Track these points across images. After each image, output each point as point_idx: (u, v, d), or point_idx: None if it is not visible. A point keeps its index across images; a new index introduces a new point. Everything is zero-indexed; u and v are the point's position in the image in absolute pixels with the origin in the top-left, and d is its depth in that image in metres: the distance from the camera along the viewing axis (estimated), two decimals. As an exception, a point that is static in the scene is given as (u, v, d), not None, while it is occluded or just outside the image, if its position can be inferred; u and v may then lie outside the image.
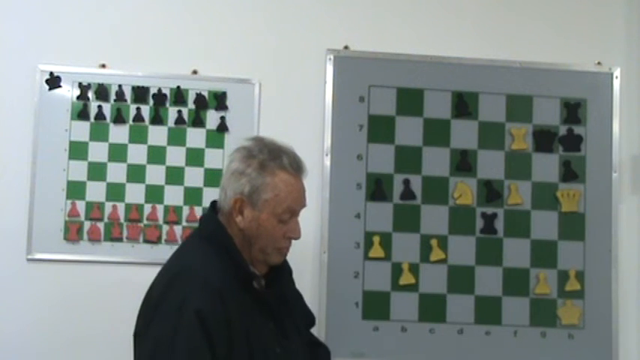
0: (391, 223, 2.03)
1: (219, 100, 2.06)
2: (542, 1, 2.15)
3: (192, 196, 2.04)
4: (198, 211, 2.03)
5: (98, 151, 2.03)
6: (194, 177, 2.04)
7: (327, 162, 2.04)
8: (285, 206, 1.47)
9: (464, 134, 2.07)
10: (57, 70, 2.03)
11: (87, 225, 2.01)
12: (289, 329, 1.55)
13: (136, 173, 2.03)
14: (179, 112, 2.05)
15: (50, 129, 2.02)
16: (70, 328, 1.99)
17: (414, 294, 2.02)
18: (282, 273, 1.58)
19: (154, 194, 2.03)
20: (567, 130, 2.09)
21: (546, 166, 2.07)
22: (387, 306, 2.01)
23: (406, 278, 2.02)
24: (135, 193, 2.03)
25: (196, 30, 2.08)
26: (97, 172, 2.02)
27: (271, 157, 1.47)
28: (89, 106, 2.04)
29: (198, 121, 2.05)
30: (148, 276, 1.98)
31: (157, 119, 2.05)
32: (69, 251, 2.00)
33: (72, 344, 1.99)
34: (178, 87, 2.05)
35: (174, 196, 2.03)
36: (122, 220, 2.02)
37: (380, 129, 2.05)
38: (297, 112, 2.06)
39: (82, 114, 2.03)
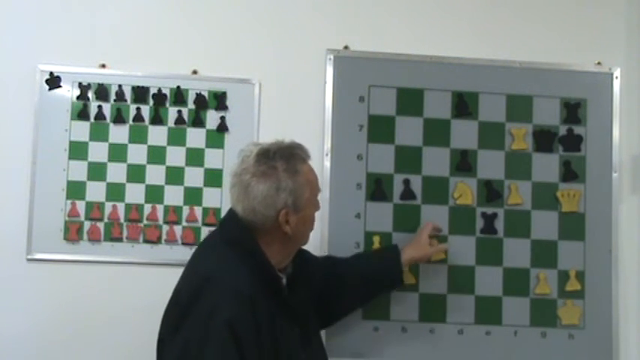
0: (391, 223, 2.03)
1: (219, 100, 2.06)
2: (542, 1, 2.15)
3: (192, 196, 2.04)
4: (198, 211, 2.03)
5: (98, 151, 2.03)
6: (194, 177, 2.04)
7: (327, 162, 2.04)
8: (316, 191, 1.56)
9: (464, 134, 2.07)
10: (57, 70, 2.03)
11: (87, 225, 2.01)
12: (312, 334, 1.55)
13: (136, 173, 2.03)
14: (179, 112, 2.05)
15: (50, 129, 2.02)
16: (70, 328, 2.00)
17: (414, 294, 2.02)
18: (302, 275, 1.60)
19: (154, 194, 2.03)
20: (567, 130, 2.09)
21: (546, 166, 2.07)
22: (387, 306, 2.01)
23: (406, 278, 2.01)
24: (135, 193, 2.03)
25: (196, 30, 2.08)
26: (97, 172, 2.02)
27: (288, 159, 1.48)
28: (89, 106, 2.04)
29: (198, 121, 2.05)
30: (148, 276, 2.01)
31: (157, 119, 2.05)
32: (69, 251, 2.00)
33: (72, 344, 1.99)
34: (178, 87, 2.05)
35: (174, 196, 2.03)
36: (122, 220, 2.02)
37: (380, 129, 2.05)
38: (297, 112, 2.06)
39: (82, 114, 2.03)
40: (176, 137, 2.05)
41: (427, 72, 2.07)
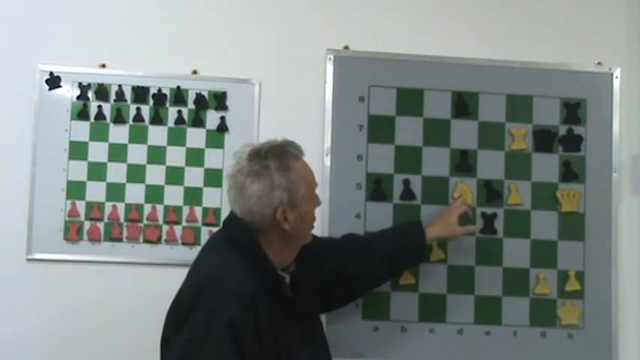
0: (391, 223, 2.02)
1: (219, 100, 2.06)
2: (543, 1, 2.15)
3: (192, 196, 2.04)
4: (198, 211, 2.03)
5: (98, 151, 2.03)
6: (194, 177, 2.04)
7: (327, 162, 2.04)
8: (313, 186, 1.56)
9: (464, 134, 2.07)
10: (57, 70, 2.03)
11: (87, 225, 2.01)
12: (315, 333, 1.56)
13: (136, 173, 2.03)
14: (179, 112, 2.05)
15: (50, 129, 2.02)
16: (70, 328, 2.00)
17: (414, 294, 2.02)
18: (306, 273, 1.60)
19: (154, 194, 2.03)
20: (567, 130, 2.09)
21: (546, 166, 2.07)
22: (387, 306, 2.01)
23: (406, 278, 2.02)
24: (135, 193, 2.03)
25: (196, 30, 2.08)
26: (97, 172, 2.02)
27: (280, 157, 1.49)
28: (89, 106, 2.04)
29: (198, 121, 2.05)
30: (148, 276, 2.01)
31: (157, 119, 2.05)
32: (69, 251, 2.00)
33: (72, 344, 1.99)
34: (178, 87, 2.05)
35: (174, 196, 2.03)
36: (122, 220, 2.02)
37: (380, 129, 2.05)
38: (297, 112, 2.06)
39: (82, 114, 2.03)
40: (176, 137, 2.05)
41: (427, 72, 2.07)
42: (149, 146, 2.04)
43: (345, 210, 2.03)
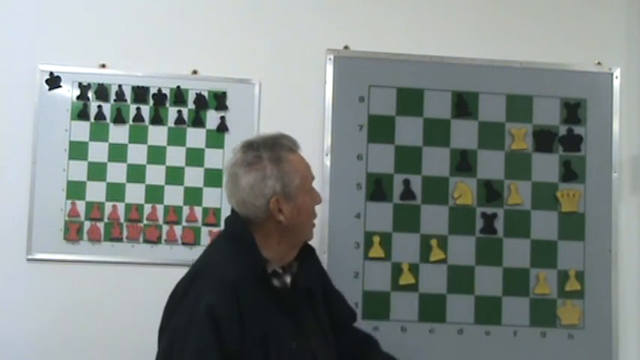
0: (391, 223, 2.03)
1: (219, 100, 2.06)
2: (543, 1, 2.15)
3: (192, 196, 2.04)
4: (198, 211, 2.03)
5: (98, 151, 2.03)
6: (194, 177, 2.04)
7: (327, 162, 2.04)
8: (309, 180, 1.55)
9: (464, 134, 2.07)
10: (57, 70, 2.03)
11: (87, 225, 2.01)
12: (309, 326, 1.56)
13: (136, 173, 2.03)
14: (179, 112, 2.05)
15: (50, 129, 2.02)
16: (70, 328, 2.00)
17: (414, 294, 2.02)
18: (309, 268, 1.61)
19: (154, 194, 2.03)
20: (567, 130, 2.09)
21: (546, 166, 2.07)
22: (387, 306, 2.01)
23: (406, 278, 2.02)
24: (135, 193, 2.03)
25: (196, 30, 2.08)
26: (97, 172, 2.02)
27: (273, 149, 1.50)
28: (89, 106, 2.04)
29: (198, 121, 2.05)
30: (148, 276, 2.01)
31: (157, 119, 2.05)
32: (69, 251, 2.00)
33: (72, 344, 1.99)
34: (178, 87, 2.05)
35: (174, 196, 2.03)
36: (122, 220, 2.02)
37: (380, 129, 2.05)
38: (297, 112, 2.06)
39: (82, 114, 2.03)
40: (176, 137, 2.05)
41: (427, 72, 2.07)
42: (149, 146, 2.04)
43: (345, 210, 2.03)
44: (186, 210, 2.04)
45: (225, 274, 1.44)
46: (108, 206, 2.02)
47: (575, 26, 2.14)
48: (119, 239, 2.01)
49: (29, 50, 2.04)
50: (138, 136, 2.04)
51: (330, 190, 2.03)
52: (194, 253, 2.00)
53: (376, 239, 2.02)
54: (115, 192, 2.02)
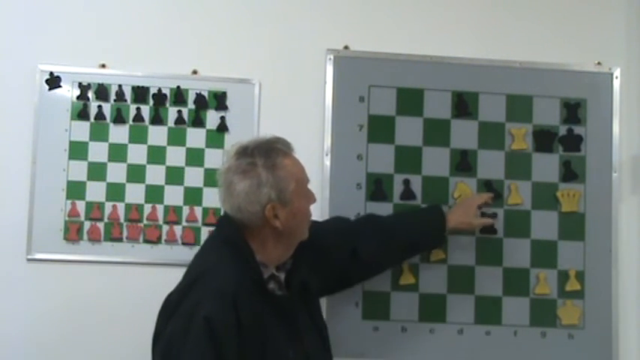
0: (391, 223, 2.03)
1: (219, 100, 2.06)
2: (542, 1, 2.15)
3: (192, 196, 2.04)
4: (198, 211, 2.03)
5: (98, 151, 2.03)
6: (194, 177, 2.04)
7: (327, 162, 2.04)
8: (304, 183, 1.54)
9: (464, 134, 2.06)
10: (57, 70, 2.03)
11: (87, 225, 2.01)
12: (305, 330, 1.55)
13: (136, 173, 2.03)
14: (179, 112, 2.05)
15: (50, 129, 2.02)
16: (70, 328, 2.00)
17: (414, 294, 2.02)
18: (302, 262, 1.60)
19: (154, 194, 2.03)
20: (567, 130, 2.09)
21: (546, 166, 2.07)
22: (387, 306, 2.01)
23: (406, 278, 2.02)
24: (135, 193, 2.03)
25: (196, 30, 2.08)
26: (97, 172, 2.02)
27: (267, 154, 1.49)
28: (89, 106, 2.04)
29: (198, 121, 2.05)
30: (148, 276, 2.01)
31: (157, 119, 2.05)
32: (69, 251, 2.00)
33: (72, 344, 1.99)
34: (178, 87, 2.05)
35: (174, 196, 2.03)
36: (122, 220, 2.02)
37: (380, 129, 2.05)
38: (297, 112, 2.06)
39: (82, 114, 2.03)
40: (176, 137, 2.05)
41: (427, 72, 2.07)
42: (149, 146, 2.04)
43: (345, 210, 2.02)
44: (186, 210, 2.04)
45: (223, 283, 1.43)
46: (108, 206, 2.02)
47: (575, 26, 2.14)
48: (119, 239, 2.01)
49: (29, 50, 2.04)
50: (138, 136, 2.04)
51: (330, 190, 2.03)
52: (194, 253, 1.99)
53: (376, 239, 2.02)
54: (115, 192, 2.02)
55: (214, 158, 2.04)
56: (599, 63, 2.12)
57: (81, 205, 2.02)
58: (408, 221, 1.90)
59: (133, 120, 2.04)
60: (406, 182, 2.04)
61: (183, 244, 2.02)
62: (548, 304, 2.04)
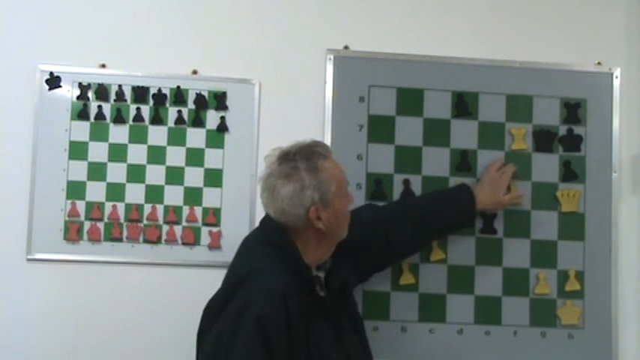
0: (391, 223, 2.03)
1: (219, 100, 2.06)
2: (543, 1, 2.14)
3: (192, 196, 2.04)
4: (198, 211, 2.03)
5: (98, 151, 2.03)
6: (194, 177, 2.04)
7: (327, 162, 2.04)
8: (344, 184, 1.58)
9: (464, 134, 2.06)
10: (57, 70, 2.03)
11: (87, 225, 2.01)
12: (347, 331, 1.57)
13: (136, 173, 2.03)
14: (179, 112, 2.05)
15: (50, 129, 2.02)
16: (70, 328, 2.00)
17: (414, 294, 2.02)
18: (341, 262, 1.63)
19: (154, 194, 2.03)
20: (567, 130, 2.09)
21: (546, 166, 2.07)
22: (387, 306, 2.01)
23: (406, 278, 2.02)
24: (135, 193, 2.03)
25: (196, 30, 2.08)
26: (97, 172, 2.02)
27: (308, 158, 1.53)
28: (89, 106, 2.04)
29: (198, 121, 2.05)
30: (148, 276, 2.01)
31: (157, 119, 2.05)
32: (69, 251, 2.00)
33: (72, 344, 1.99)
34: (178, 87, 2.05)
35: (174, 196, 2.03)
36: (122, 220, 2.02)
37: (380, 129, 2.05)
38: (297, 112, 2.06)
39: (82, 114, 2.03)
40: (176, 137, 2.05)
41: (427, 72, 2.07)
42: (149, 146, 2.04)
43: (345, 210, 2.02)
44: (186, 210, 2.04)
45: (273, 283, 1.45)
46: (108, 206, 2.02)
47: (575, 26, 2.14)
48: (119, 239, 2.01)
49: (29, 50, 2.04)
50: (138, 136, 2.04)
51: (330, 190, 2.02)
52: (194, 253, 2.01)
53: (376, 239, 2.02)
54: (115, 192, 2.02)
55: (214, 158, 2.04)
56: (599, 63, 2.12)
57: (81, 205, 2.02)
58: (439, 205, 1.91)
59: (133, 120, 2.04)
60: (406, 182, 2.04)
61: (183, 244, 2.02)
62: (548, 304, 2.04)
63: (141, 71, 2.05)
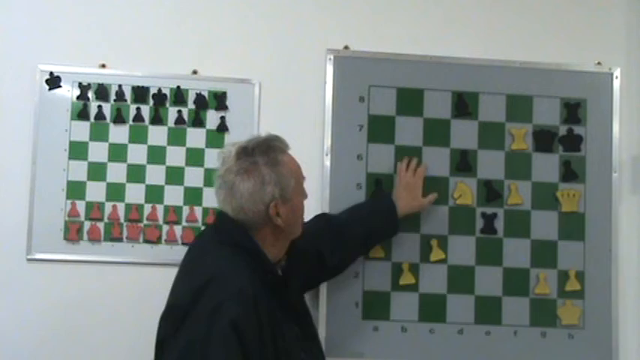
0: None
1: (219, 100, 2.06)
2: (543, 1, 2.15)
3: (192, 196, 2.04)
4: (198, 211, 2.03)
5: (98, 151, 2.03)
6: (194, 177, 2.04)
7: (327, 162, 2.04)
8: (301, 180, 1.55)
9: (464, 134, 2.06)
10: (57, 70, 2.03)
11: (87, 225, 2.01)
12: (311, 332, 1.56)
13: (136, 173, 2.03)
14: (179, 112, 2.05)
15: (50, 129, 2.02)
16: (70, 328, 2.00)
17: (414, 294, 2.02)
18: (295, 262, 1.60)
19: (154, 194, 2.03)
20: (567, 130, 2.09)
21: (546, 166, 2.07)
22: (387, 306, 2.01)
23: (406, 278, 2.02)
24: (135, 193, 2.03)
25: (196, 30, 2.08)
26: (97, 172, 2.02)
27: (267, 152, 1.49)
28: (89, 106, 2.04)
29: (198, 121, 2.05)
30: (147, 276, 2.01)
31: (157, 119, 2.05)
32: (69, 251, 2.00)
33: (71, 344, 1.99)
34: (178, 87, 2.05)
35: (174, 196, 2.03)
36: (122, 220, 2.02)
37: (380, 129, 2.05)
38: (297, 112, 2.06)
39: (82, 114, 2.03)
40: (176, 137, 2.05)
41: (427, 72, 2.07)
42: (149, 146, 2.04)
43: (345, 210, 2.02)
44: (186, 210, 2.04)
45: (243, 285, 1.40)
46: (108, 206, 2.02)
47: (575, 26, 2.14)
48: (119, 239, 2.01)
49: (29, 50, 2.04)
50: (138, 136, 2.04)
51: (330, 190, 2.03)
52: (194, 253, 2.01)
53: (376, 239, 2.02)
54: (115, 192, 2.02)
55: (214, 158, 2.01)
56: (599, 63, 2.12)
57: (81, 205, 2.02)
58: (361, 216, 1.90)
59: (133, 120, 2.04)
60: (406, 182, 2.04)
61: (183, 244, 2.02)
62: (548, 304, 2.04)
63: (141, 71, 2.05)
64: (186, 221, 2.03)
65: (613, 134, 2.09)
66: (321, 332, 1.95)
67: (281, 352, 1.43)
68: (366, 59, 2.07)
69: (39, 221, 2.00)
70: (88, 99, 2.04)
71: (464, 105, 2.07)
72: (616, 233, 2.07)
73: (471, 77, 2.08)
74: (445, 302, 2.02)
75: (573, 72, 2.11)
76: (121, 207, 2.02)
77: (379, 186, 2.03)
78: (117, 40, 2.06)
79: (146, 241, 2.02)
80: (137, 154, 2.04)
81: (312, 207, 1.96)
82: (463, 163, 2.06)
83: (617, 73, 2.11)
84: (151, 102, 2.05)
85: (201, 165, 2.04)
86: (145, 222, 2.02)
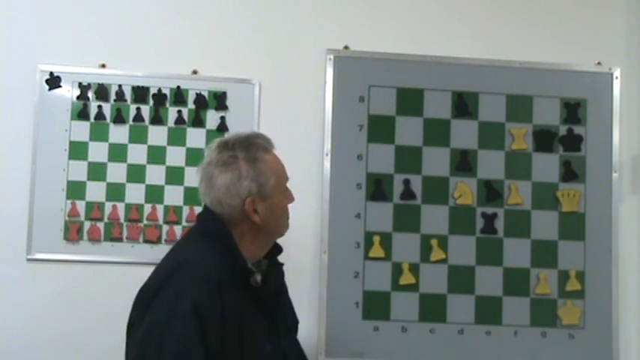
0: (391, 223, 2.03)
1: (219, 100, 2.06)
2: (542, 1, 2.15)
3: (192, 196, 2.04)
4: (198, 211, 2.02)
5: (98, 151, 2.03)
6: (194, 177, 2.03)
7: (327, 162, 2.03)
8: (283, 179, 1.53)
9: (464, 134, 2.07)
10: (57, 70, 2.03)
11: (87, 225, 2.01)
12: (280, 326, 1.55)
13: (136, 173, 2.03)
14: (179, 112, 2.05)
15: (50, 129, 2.02)
16: (70, 328, 2.00)
17: (414, 294, 2.02)
18: (276, 267, 1.59)
19: (154, 194, 2.03)
20: (567, 130, 2.09)
21: (546, 166, 2.07)
22: (387, 306, 2.01)
23: (406, 278, 2.02)
24: (135, 193, 2.03)
25: (196, 30, 2.08)
26: (97, 172, 2.02)
27: (248, 148, 1.49)
28: (89, 106, 2.04)
29: (198, 121, 2.05)
30: (147, 276, 2.00)
31: (157, 119, 2.05)
32: (69, 251, 2.00)
33: (71, 344, 1.99)
34: (178, 87, 2.05)
35: (174, 196, 2.03)
36: (122, 220, 2.02)
37: (380, 129, 2.05)
38: (297, 112, 2.06)
39: (82, 114, 2.03)
40: (176, 137, 2.05)
41: (427, 72, 2.07)
42: (149, 146, 2.04)
43: (345, 210, 2.02)
44: (186, 210, 2.03)
45: (208, 271, 1.41)
46: (108, 206, 2.02)
47: (575, 26, 2.14)
48: (119, 239, 2.01)
49: (29, 50, 2.04)
50: (138, 136, 2.04)
51: (330, 190, 2.02)
52: (194, 253, 2.01)
53: (376, 239, 2.02)
54: (115, 192, 2.02)
55: (214, 158, 2.04)
56: (599, 63, 2.12)
57: (81, 205, 2.02)
58: None
59: (133, 120, 2.04)
60: (406, 182, 2.04)
61: (183, 244, 2.01)
62: (549, 304, 2.04)
63: (141, 71, 2.05)
64: (186, 221, 2.03)
65: (613, 134, 2.09)
66: (322, 332, 1.96)
67: (246, 340, 1.42)
68: (366, 59, 2.07)
69: (39, 221, 2.00)
70: (88, 99, 2.04)
71: (464, 105, 2.07)
72: (616, 233, 2.07)
73: (471, 77, 2.08)
74: (445, 302, 2.02)
75: (573, 72, 2.11)
76: (121, 207, 2.02)
77: (378, 186, 2.03)
78: (117, 40, 2.06)
79: (146, 241, 2.02)
80: (137, 154, 2.04)
81: (312, 207, 1.96)
82: (463, 163, 2.06)
83: (617, 73, 2.11)
84: (151, 102, 2.05)
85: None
86: (145, 222, 2.02)
